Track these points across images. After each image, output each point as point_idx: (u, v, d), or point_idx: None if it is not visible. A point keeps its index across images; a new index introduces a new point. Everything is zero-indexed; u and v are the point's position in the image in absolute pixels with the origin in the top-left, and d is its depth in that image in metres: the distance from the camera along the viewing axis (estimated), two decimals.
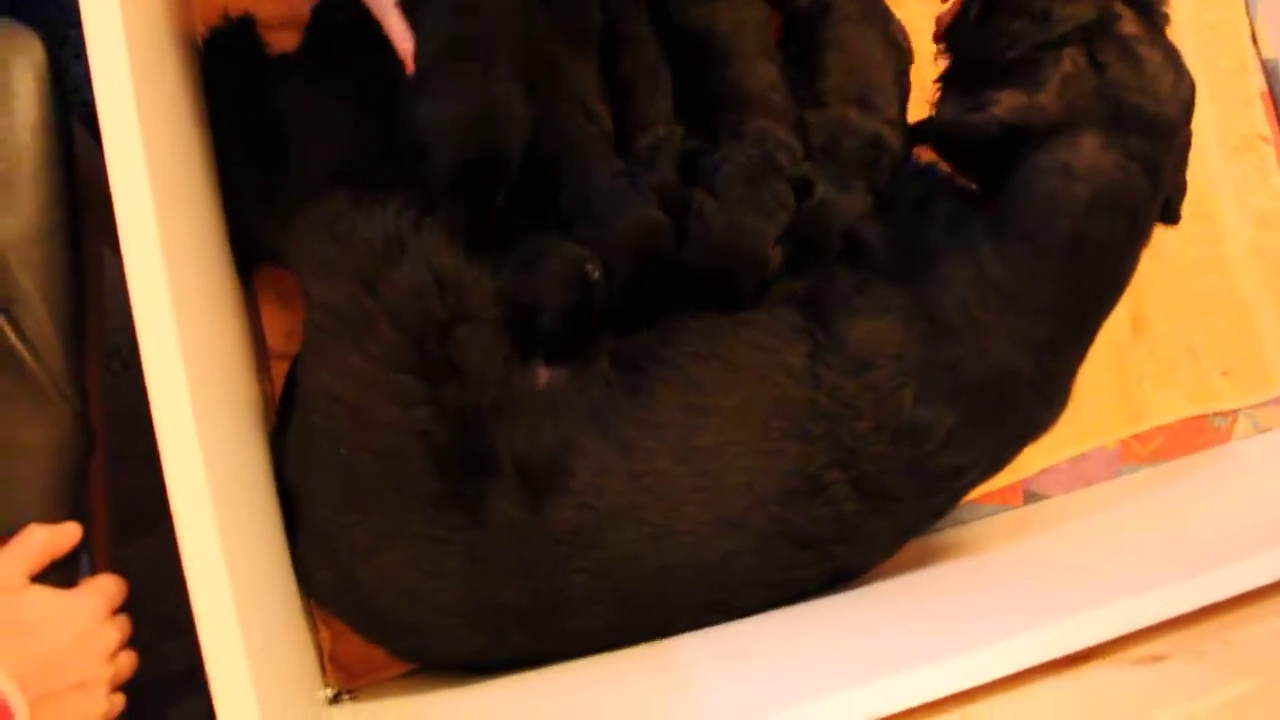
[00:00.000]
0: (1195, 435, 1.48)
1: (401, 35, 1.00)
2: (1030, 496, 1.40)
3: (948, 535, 1.30)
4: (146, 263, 0.76)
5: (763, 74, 1.21)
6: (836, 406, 1.02)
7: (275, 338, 1.21)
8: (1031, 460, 1.39)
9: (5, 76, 0.90)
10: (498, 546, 0.98)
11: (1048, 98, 1.01)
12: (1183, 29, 1.60)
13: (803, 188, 1.14)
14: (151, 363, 0.76)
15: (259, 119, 1.12)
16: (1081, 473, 1.42)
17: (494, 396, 0.99)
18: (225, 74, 1.15)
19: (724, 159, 1.13)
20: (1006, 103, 1.02)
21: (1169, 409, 1.48)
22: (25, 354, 0.86)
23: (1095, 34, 1.03)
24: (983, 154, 1.08)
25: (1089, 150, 1.00)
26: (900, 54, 1.26)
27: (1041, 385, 1.05)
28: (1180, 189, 1.14)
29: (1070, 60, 1.02)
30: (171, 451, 0.76)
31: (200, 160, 1.04)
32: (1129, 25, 1.04)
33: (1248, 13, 1.63)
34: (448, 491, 0.97)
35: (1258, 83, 1.62)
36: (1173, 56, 1.05)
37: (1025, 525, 1.32)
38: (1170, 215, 1.12)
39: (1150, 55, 1.03)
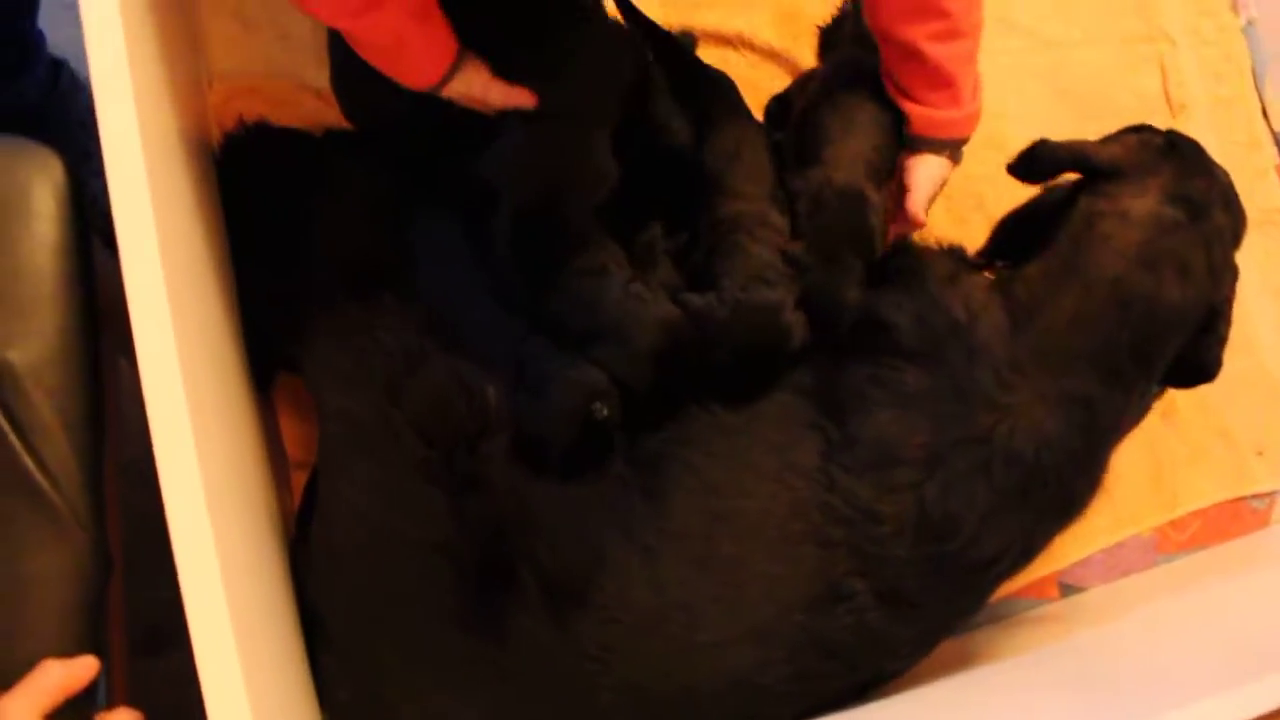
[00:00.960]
0: (1233, 520, 1.45)
1: (507, 97, 1.06)
2: (1066, 589, 1.37)
3: (984, 634, 1.26)
4: (163, 378, 0.75)
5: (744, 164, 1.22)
6: (852, 511, 0.99)
7: (294, 447, 1.19)
8: (1066, 551, 1.35)
9: (26, 198, 0.90)
10: (524, 665, 0.95)
11: (1120, 149, 1.09)
12: (1195, 105, 1.61)
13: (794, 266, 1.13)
14: (169, 479, 0.74)
15: (273, 223, 1.12)
16: (1118, 563, 1.39)
17: (514, 508, 0.97)
18: (241, 180, 1.16)
19: (710, 251, 1.13)
20: (1077, 148, 1.09)
21: (1204, 493, 1.45)
22: (43, 482, 0.84)
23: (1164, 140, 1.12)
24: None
25: (1148, 202, 1.04)
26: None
27: (1078, 456, 1.02)
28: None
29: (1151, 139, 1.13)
30: (189, 571, 0.73)
31: (217, 270, 1.03)
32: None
33: (1257, 88, 1.64)
34: (473, 608, 0.95)
35: (1270, 155, 1.62)
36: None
37: (1063, 620, 1.29)
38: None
39: (1209, 160, 1.11)
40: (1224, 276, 1.07)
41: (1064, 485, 1.02)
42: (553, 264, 1.06)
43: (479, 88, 1.05)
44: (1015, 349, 1.01)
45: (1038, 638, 1.23)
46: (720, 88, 1.29)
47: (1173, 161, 1.07)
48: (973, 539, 0.99)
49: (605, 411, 1.01)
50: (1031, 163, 1.12)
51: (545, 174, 1.05)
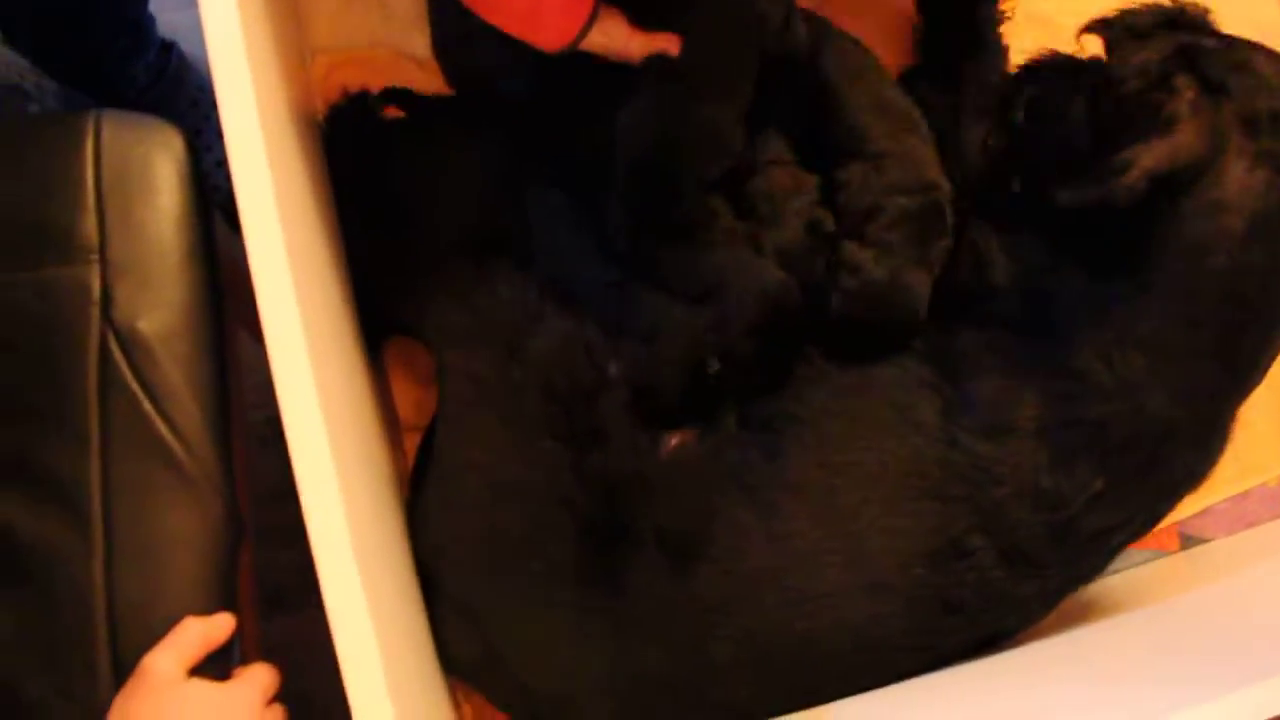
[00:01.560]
0: None
1: (648, 45, 1.05)
2: (1187, 540, 1.33)
3: (1102, 585, 1.23)
4: (289, 345, 0.77)
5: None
6: (972, 470, 0.97)
7: (406, 409, 1.22)
8: (1187, 502, 1.31)
9: (149, 173, 0.93)
10: (642, 616, 0.96)
11: (1187, 134, 0.92)
12: None
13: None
14: (297, 443, 0.76)
15: (384, 191, 1.14)
16: (1243, 513, 1.34)
17: (633, 464, 0.97)
18: (347, 149, 1.18)
19: (876, 206, 1.09)
20: (1148, 157, 0.91)
21: None
22: (177, 447, 0.87)
23: (1188, 60, 0.95)
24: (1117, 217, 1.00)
25: (1235, 177, 0.92)
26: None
27: (1201, 434, 0.99)
28: None
29: (1185, 85, 0.94)
30: (319, 529, 0.75)
31: (329, 237, 1.06)
32: (1210, 40, 0.97)
33: None
34: (591, 561, 0.96)
35: None
36: (1270, 52, 0.96)
37: (1183, 573, 1.25)
38: None
39: (1254, 56, 0.94)
40: None
41: (1187, 465, 0.99)
42: (659, 224, 1.06)
43: (620, 38, 1.04)
44: (1129, 339, 0.96)
45: (1158, 590, 1.20)
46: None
47: (1228, 105, 0.93)
48: (1087, 510, 0.97)
49: (716, 365, 1.02)
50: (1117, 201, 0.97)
51: (663, 134, 1.05)
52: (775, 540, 0.97)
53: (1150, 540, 1.29)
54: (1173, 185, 0.93)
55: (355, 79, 1.27)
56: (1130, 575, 1.26)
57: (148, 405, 0.87)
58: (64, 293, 0.89)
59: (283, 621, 1.33)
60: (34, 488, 0.86)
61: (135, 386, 0.88)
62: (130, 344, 0.88)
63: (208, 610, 0.87)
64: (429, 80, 1.30)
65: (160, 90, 1.41)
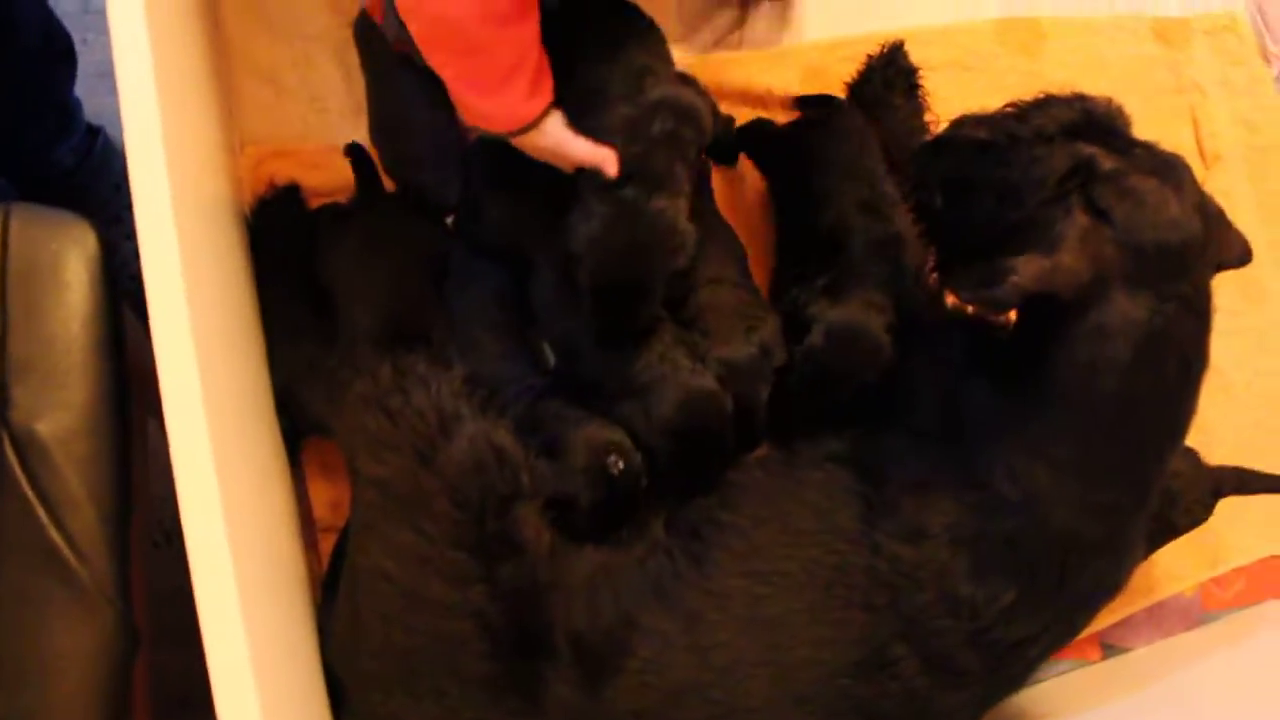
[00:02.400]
0: (1278, 575, 1.41)
1: (590, 155, 1.06)
2: (1109, 650, 1.33)
3: (1024, 696, 1.23)
4: (192, 444, 0.75)
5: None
6: (896, 576, 0.97)
7: (321, 509, 1.19)
8: (1106, 611, 1.32)
9: (58, 269, 0.90)
10: None
11: (1069, 257, 0.92)
12: (1230, 156, 1.59)
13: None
14: (196, 544, 0.74)
15: (305, 287, 1.13)
16: (1161, 622, 1.35)
17: (548, 573, 0.95)
18: (272, 242, 1.16)
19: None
20: (1027, 271, 0.91)
21: (1247, 549, 1.41)
22: (70, 557, 0.84)
23: (1081, 181, 0.95)
24: (1020, 333, 1.04)
25: (1120, 306, 0.92)
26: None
27: (1108, 545, 0.99)
28: (1237, 245, 1.04)
29: (1079, 210, 0.94)
30: (215, 635, 0.73)
31: (247, 333, 1.04)
32: (1106, 161, 0.96)
33: None
34: (503, 674, 0.93)
35: None
36: (1162, 172, 0.95)
37: (1104, 683, 1.25)
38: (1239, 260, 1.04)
39: (1143, 184, 0.94)
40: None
41: (1097, 576, 0.99)
42: (622, 330, 1.08)
43: (567, 138, 1.06)
44: (1031, 453, 0.97)
45: (1079, 700, 1.20)
46: None
47: (1114, 234, 0.92)
48: (1002, 620, 0.96)
49: (620, 465, 1.02)
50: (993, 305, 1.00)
51: (626, 245, 1.05)
52: (699, 652, 0.96)
53: (1072, 650, 1.30)
54: (1059, 306, 0.93)
55: (285, 171, 1.26)
56: (1052, 685, 1.26)
57: (41, 513, 0.84)
58: None
59: None
60: None
61: (29, 492, 0.84)
62: (27, 447, 0.85)
63: None
64: None
65: (84, 175, 1.39)
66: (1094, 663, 1.32)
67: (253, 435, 0.96)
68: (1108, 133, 1.00)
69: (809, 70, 1.47)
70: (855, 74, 1.44)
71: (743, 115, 1.43)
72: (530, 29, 0.99)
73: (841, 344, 1.10)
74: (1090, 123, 1.01)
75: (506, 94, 1.00)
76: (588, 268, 1.05)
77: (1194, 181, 0.96)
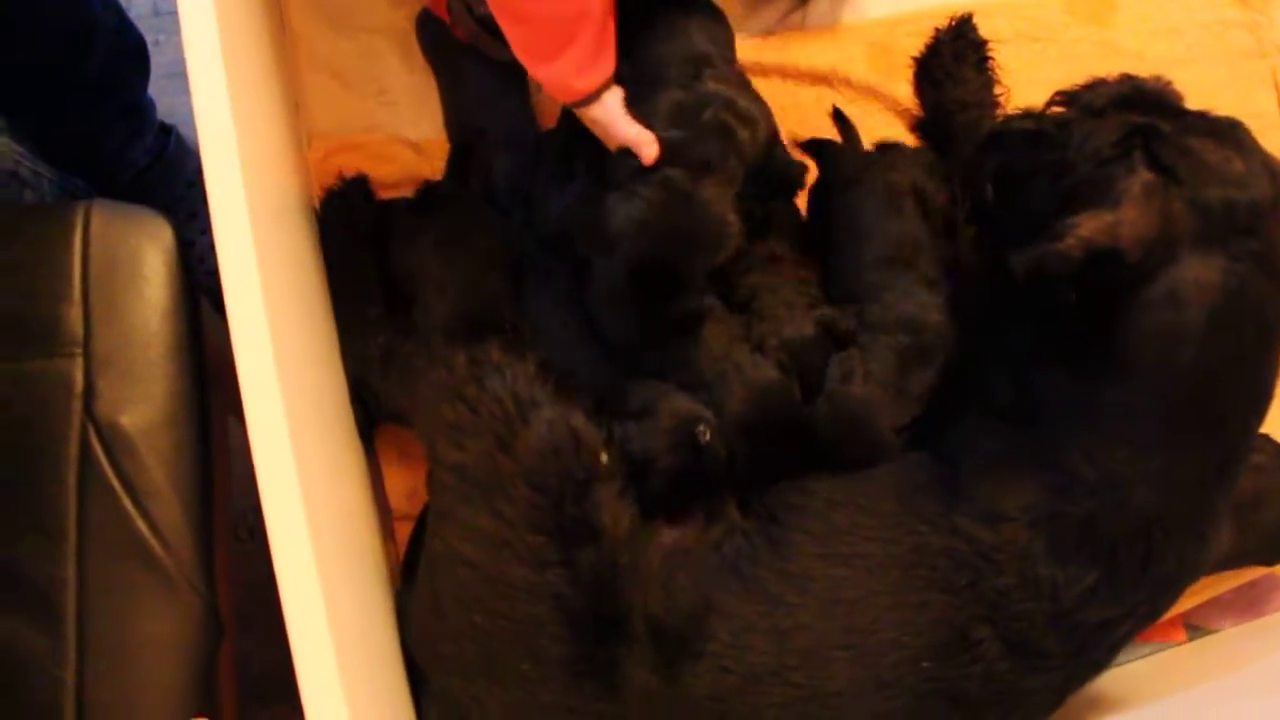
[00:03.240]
0: None
1: (633, 136, 1.05)
2: (1194, 632, 1.30)
3: (1105, 679, 1.20)
4: (271, 436, 0.76)
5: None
6: (975, 558, 0.95)
7: (397, 498, 1.20)
8: (1192, 592, 1.29)
9: (137, 264, 0.92)
10: (635, 717, 0.93)
11: (1134, 210, 0.89)
12: None
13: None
14: (278, 537, 0.75)
15: (376, 278, 1.13)
16: (1250, 603, 1.32)
17: (627, 557, 0.95)
18: (341, 233, 1.17)
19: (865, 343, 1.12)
20: (1088, 226, 0.89)
21: None
22: (156, 546, 0.85)
23: (1143, 141, 0.92)
24: (1079, 291, 0.96)
25: (1191, 269, 0.89)
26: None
27: (1193, 525, 0.95)
28: None
29: (1141, 165, 0.91)
30: (298, 624, 0.74)
31: (321, 324, 1.05)
32: (1164, 125, 0.93)
33: None
34: (581, 658, 0.93)
35: None
36: (1221, 133, 0.93)
37: (1190, 666, 1.22)
38: None
39: (1204, 144, 0.91)
40: None
41: (1181, 557, 0.95)
42: (663, 319, 1.07)
43: (617, 117, 1.04)
44: (1108, 432, 0.94)
45: (1165, 683, 1.17)
46: None
47: (1180, 192, 0.90)
48: (1084, 602, 0.94)
49: (708, 435, 1.01)
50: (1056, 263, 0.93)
51: (668, 230, 1.04)
52: (778, 635, 0.95)
53: (1156, 632, 1.27)
54: (1124, 274, 0.90)
55: (352, 163, 1.27)
56: (1137, 668, 1.23)
57: (128, 502, 0.86)
58: (46, 386, 0.87)
59: (273, 713, 1.30)
60: (4, 587, 0.84)
61: (115, 483, 0.86)
62: (112, 439, 0.87)
63: (186, 712, 0.84)
64: (424, 164, 1.30)
65: (158, 173, 1.42)
66: (1179, 644, 1.29)
67: (329, 426, 0.97)
68: (1159, 106, 0.97)
69: (874, 47, 1.44)
70: (922, 49, 1.41)
71: (807, 96, 1.42)
72: (587, 2, 0.98)
73: (843, 424, 1.07)
74: (1141, 97, 0.98)
75: (558, 64, 1.00)
76: (627, 251, 1.04)
77: (1256, 142, 0.93)
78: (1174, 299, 0.89)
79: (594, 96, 1.03)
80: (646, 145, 1.04)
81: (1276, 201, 0.91)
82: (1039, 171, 0.98)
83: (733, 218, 1.06)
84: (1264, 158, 0.92)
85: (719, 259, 1.07)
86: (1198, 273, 0.88)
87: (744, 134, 1.08)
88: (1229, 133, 0.93)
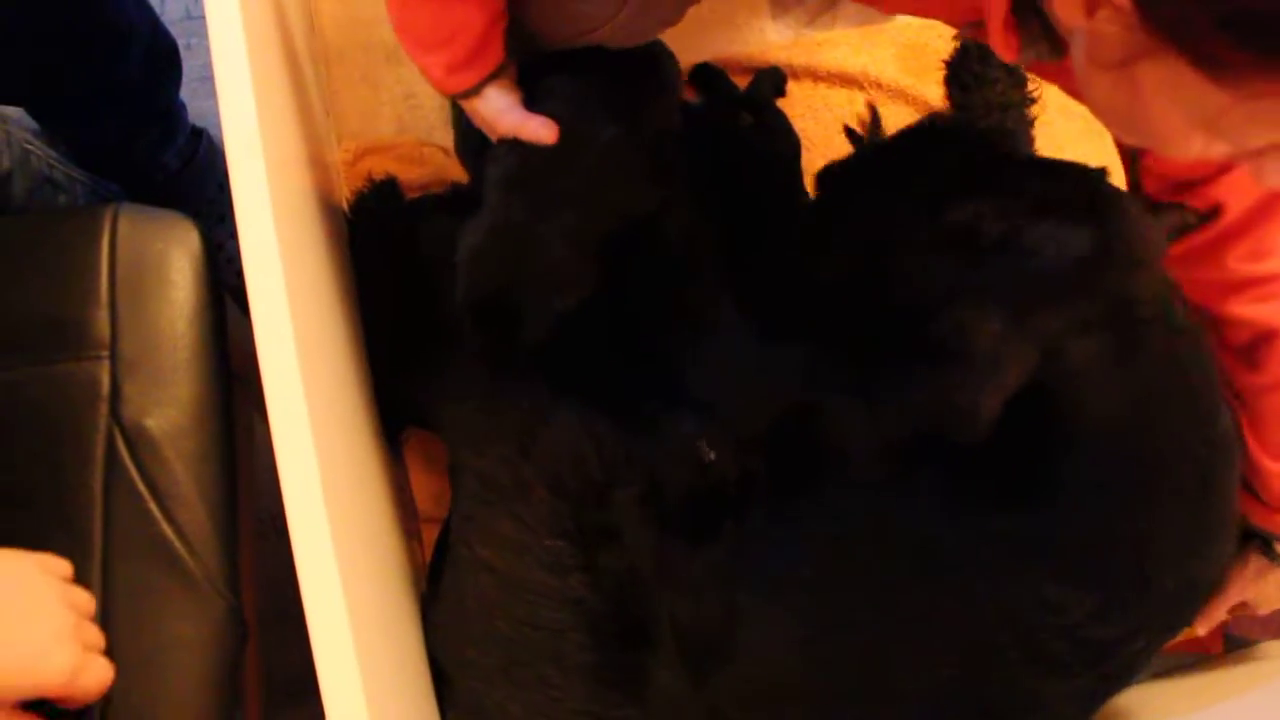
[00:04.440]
0: None
1: (516, 125, 0.99)
2: (1231, 642, 1.28)
3: (1140, 691, 1.19)
4: (295, 437, 0.76)
5: None
6: (992, 570, 0.94)
7: (424, 501, 1.20)
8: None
9: (164, 267, 0.92)
10: None
11: (1013, 366, 0.90)
12: None
13: None
14: (300, 538, 0.75)
15: (403, 281, 1.14)
16: None
17: (649, 562, 0.95)
18: (370, 237, 1.18)
19: None
20: (991, 403, 0.91)
21: None
22: (180, 549, 0.86)
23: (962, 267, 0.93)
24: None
25: (1076, 351, 0.90)
26: None
27: (1189, 542, 0.94)
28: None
29: (980, 319, 0.91)
30: (320, 625, 0.74)
31: (348, 327, 1.05)
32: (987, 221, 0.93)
33: None
34: (606, 664, 0.93)
35: None
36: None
37: (1228, 677, 1.20)
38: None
39: (1031, 231, 0.91)
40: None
41: (1186, 575, 0.95)
42: (504, 350, 1.02)
43: (503, 110, 0.99)
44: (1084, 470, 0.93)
45: (1204, 695, 1.15)
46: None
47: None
48: (1093, 621, 0.93)
49: (712, 455, 0.98)
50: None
51: (503, 262, 0.99)
52: (804, 643, 0.94)
53: (1195, 644, 1.25)
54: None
55: (382, 166, 1.28)
56: (1175, 679, 1.21)
57: (153, 505, 0.86)
58: (73, 389, 0.88)
59: (302, 712, 1.31)
60: None
61: (141, 486, 0.86)
62: (137, 442, 0.87)
63: (209, 713, 0.84)
64: (455, 167, 1.31)
65: (189, 176, 1.43)
66: (1217, 655, 1.27)
67: (354, 428, 0.98)
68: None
69: (905, 48, 1.43)
70: (952, 50, 1.40)
71: (838, 98, 1.41)
72: (473, 3, 0.93)
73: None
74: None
75: (430, 58, 0.97)
76: (460, 283, 1.00)
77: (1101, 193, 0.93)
78: (1076, 376, 0.90)
79: (471, 93, 0.99)
80: (533, 126, 0.98)
81: (1108, 255, 0.90)
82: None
83: (583, 260, 1.00)
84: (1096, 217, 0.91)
85: (563, 304, 1.00)
86: (1084, 349, 0.89)
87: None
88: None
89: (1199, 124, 0.62)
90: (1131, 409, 0.91)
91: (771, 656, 0.94)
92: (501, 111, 0.99)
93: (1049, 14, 0.72)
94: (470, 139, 1.17)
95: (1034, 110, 1.37)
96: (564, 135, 0.98)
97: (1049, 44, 0.77)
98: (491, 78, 0.98)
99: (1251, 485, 1.01)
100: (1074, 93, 0.90)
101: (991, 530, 0.94)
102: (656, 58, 1.07)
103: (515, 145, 0.99)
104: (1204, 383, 0.94)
